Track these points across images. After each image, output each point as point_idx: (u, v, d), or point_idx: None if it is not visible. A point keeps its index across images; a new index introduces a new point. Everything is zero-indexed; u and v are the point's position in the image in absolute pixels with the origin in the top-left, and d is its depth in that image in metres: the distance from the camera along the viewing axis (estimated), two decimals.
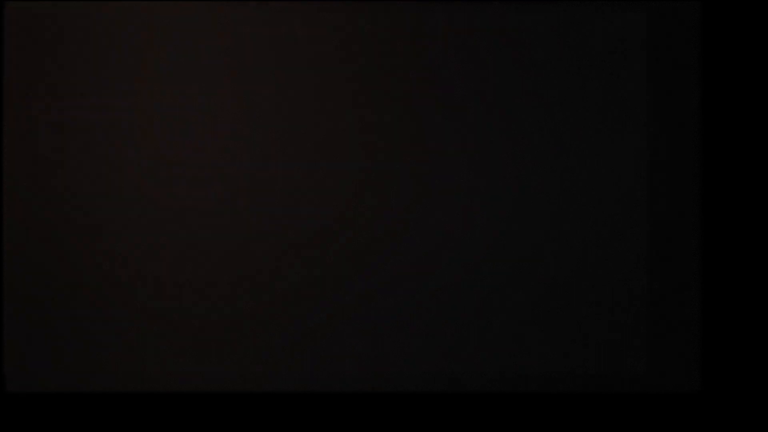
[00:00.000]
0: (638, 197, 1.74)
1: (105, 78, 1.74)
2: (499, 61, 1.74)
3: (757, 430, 1.70)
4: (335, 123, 1.74)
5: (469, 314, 1.73)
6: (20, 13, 1.73)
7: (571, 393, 1.73)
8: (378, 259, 1.73)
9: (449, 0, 1.74)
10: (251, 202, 1.73)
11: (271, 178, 1.73)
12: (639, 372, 1.73)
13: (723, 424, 1.71)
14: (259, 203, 1.73)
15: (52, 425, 1.71)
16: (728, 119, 1.73)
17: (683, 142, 1.74)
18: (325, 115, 1.74)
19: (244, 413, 1.73)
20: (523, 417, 1.72)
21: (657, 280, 1.73)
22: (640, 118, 1.74)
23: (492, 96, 1.74)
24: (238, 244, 1.73)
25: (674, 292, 1.74)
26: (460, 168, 1.74)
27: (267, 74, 1.74)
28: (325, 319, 1.73)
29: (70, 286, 1.72)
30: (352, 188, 1.73)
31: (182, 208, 1.73)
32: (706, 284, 1.72)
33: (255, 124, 1.74)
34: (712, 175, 1.73)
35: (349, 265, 1.73)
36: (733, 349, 1.72)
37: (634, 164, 1.74)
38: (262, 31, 1.74)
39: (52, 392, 1.72)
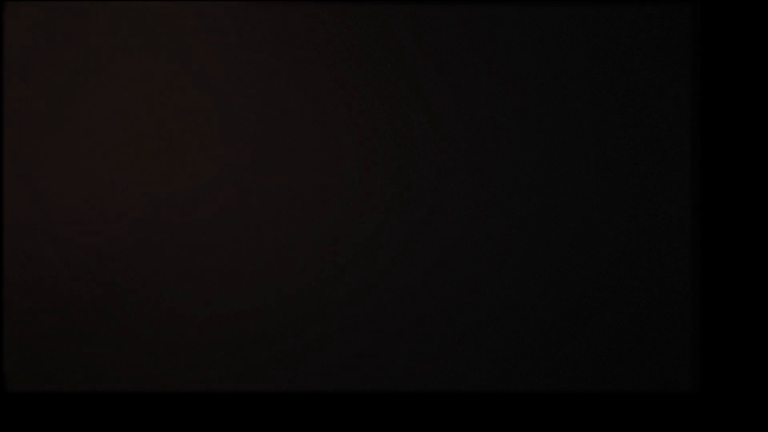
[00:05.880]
0: (637, 197, 1.74)
1: (105, 78, 1.74)
2: (500, 61, 1.74)
3: (757, 430, 1.70)
4: (336, 124, 1.74)
5: (468, 315, 1.73)
6: (20, 13, 1.73)
7: (571, 393, 1.73)
8: (379, 260, 1.73)
9: (456, 1, 1.74)
10: (252, 203, 1.73)
11: (271, 178, 1.74)
12: (639, 372, 1.73)
13: (722, 424, 1.71)
14: (259, 203, 1.73)
15: (52, 425, 1.71)
16: (727, 119, 1.73)
17: (682, 142, 1.75)
18: (326, 116, 1.74)
19: (244, 413, 1.73)
20: (523, 417, 1.72)
21: (656, 280, 1.74)
22: (640, 118, 1.74)
23: (493, 96, 1.74)
24: (239, 244, 1.73)
25: (674, 291, 1.74)
26: (458, 168, 1.74)
27: (267, 75, 1.74)
28: (325, 320, 1.73)
29: (70, 286, 1.73)
30: (353, 189, 1.74)
31: (183, 208, 1.73)
32: (706, 284, 1.73)
33: (255, 124, 1.74)
34: (711, 175, 1.73)
35: (349, 266, 1.73)
36: (732, 349, 1.72)
37: (633, 164, 1.74)
38: (264, 31, 1.74)
39: (52, 392, 1.72)
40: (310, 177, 1.74)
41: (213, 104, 1.74)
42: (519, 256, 1.74)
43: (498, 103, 1.74)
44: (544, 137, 1.75)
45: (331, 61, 1.75)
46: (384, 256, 1.73)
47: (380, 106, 1.75)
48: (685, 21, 1.75)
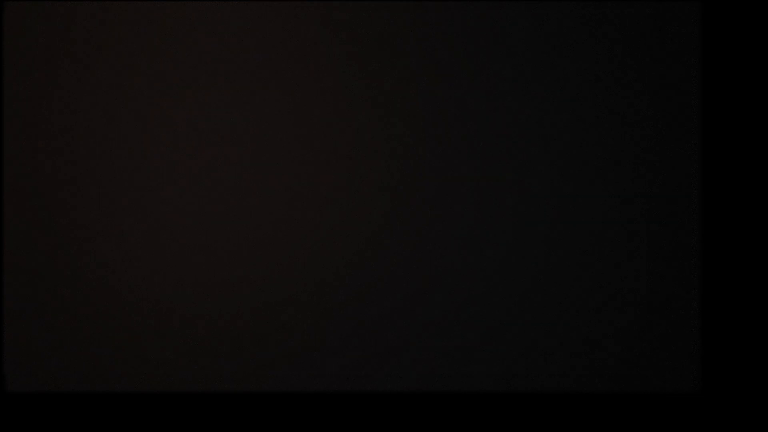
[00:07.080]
0: (638, 197, 1.74)
1: (105, 78, 1.74)
2: (502, 60, 1.74)
3: (757, 430, 1.70)
4: (336, 124, 1.74)
5: (469, 314, 1.73)
6: (20, 13, 1.73)
7: (571, 393, 1.73)
8: (379, 260, 1.73)
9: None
10: (251, 203, 1.73)
11: (270, 179, 1.74)
12: (639, 372, 1.73)
13: (723, 424, 1.71)
14: (259, 204, 1.73)
15: (52, 425, 1.72)
16: (728, 119, 1.73)
17: (683, 142, 1.75)
18: (327, 116, 1.74)
19: (244, 413, 1.73)
20: (523, 417, 1.72)
21: (657, 279, 1.74)
22: (640, 118, 1.74)
23: (493, 95, 1.74)
24: (239, 243, 1.73)
25: (674, 291, 1.74)
26: (461, 168, 1.74)
27: (267, 74, 1.74)
28: (325, 320, 1.73)
29: (69, 285, 1.73)
30: (354, 190, 1.74)
31: (182, 208, 1.73)
32: (706, 284, 1.73)
33: (255, 124, 1.74)
34: (712, 175, 1.73)
35: (349, 266, 1.73)
36: (733, 349, 1.72)
37: (634, 164, 1.74)
38: (262, 30, 1.74)
39: (52, 392, 1.72)
40: (311, 177, 1.74)
41: (213, 104, 1.74)
42: (521, 255, 1.74)
43: (500, 103, 1.74)
44: (546, 137, 1.75)
45: (331, 61, 1.75)
46: (384, 256, 1.73)
47: (381, 105, 1.75)
48: (686, 20, 1.75)
